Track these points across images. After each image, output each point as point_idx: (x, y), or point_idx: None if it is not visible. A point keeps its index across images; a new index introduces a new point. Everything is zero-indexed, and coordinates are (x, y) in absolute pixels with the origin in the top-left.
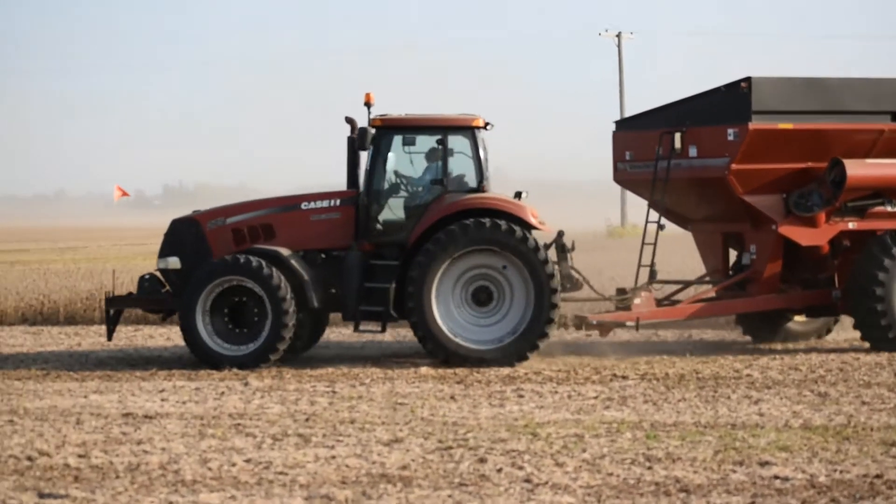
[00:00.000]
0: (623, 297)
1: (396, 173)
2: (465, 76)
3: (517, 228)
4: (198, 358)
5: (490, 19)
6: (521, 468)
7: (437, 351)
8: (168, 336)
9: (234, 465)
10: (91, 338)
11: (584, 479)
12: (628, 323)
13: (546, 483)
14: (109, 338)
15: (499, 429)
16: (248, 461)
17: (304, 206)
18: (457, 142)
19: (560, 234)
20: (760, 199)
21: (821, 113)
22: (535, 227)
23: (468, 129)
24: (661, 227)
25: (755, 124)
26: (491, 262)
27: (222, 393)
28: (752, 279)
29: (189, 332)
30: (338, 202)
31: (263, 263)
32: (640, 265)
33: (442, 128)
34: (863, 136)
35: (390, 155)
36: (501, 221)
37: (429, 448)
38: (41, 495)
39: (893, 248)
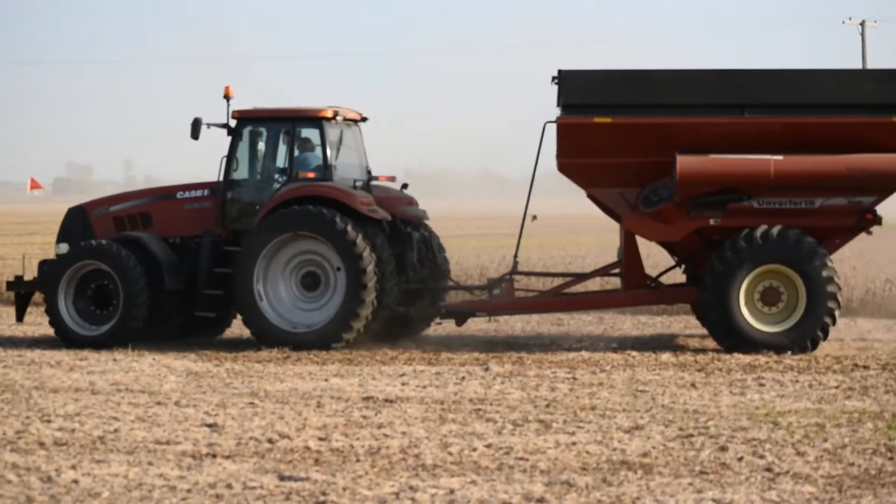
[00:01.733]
0: (483, 287)
1: (253, 163)
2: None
3: (335, 216)
4: (58, 337)
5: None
6: (761, 457)
7: (252, 330)
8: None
9: (474, 449)
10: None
11: (826, 468)
12: (479, 313)
13: (787, 472)
14: (19, 319)
15: (739, 417)
16: (488, 446)
17: (178, 195)
18: (312, 133)
19: (414, 223)
20: (605, 193)
21: (655, 107)
22: (365, 216)
23: (317, 120)
24: (533, 218)
25: (564, 118)
26: (317, 248)
27: (462, 378)
28: (621, 274)
29: (50, 313)
30: (207, 192)
31: (115, 247)
32: (516, 256)
33: (291, 119)
34: (705, 130)
35: (246, 145)
36: (323, 208)
37: (669, 436)
38: (282, 478)
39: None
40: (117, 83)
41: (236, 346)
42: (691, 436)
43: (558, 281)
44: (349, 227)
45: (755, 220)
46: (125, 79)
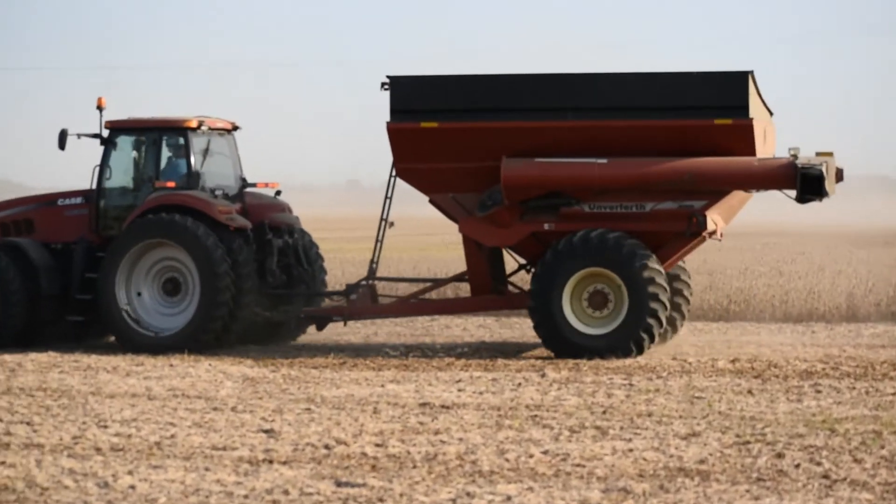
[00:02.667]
0: (341, 292)
1: (123, 171)
2: None
3: (188, 222)
4: None
5: None
6: (818, 464)
7: (114, 334)
8: (464, 327)
9: (531, 456)
10: (386, 327)
11: (883, 476)
12: (335, 317)
13: (844, 479)
14: None
15: (796, 424)
16: (545, 453)
17: (59, 202)
18: (178, 142)
19: (283, 229)
20: (443, 198)
21: (481, 111)
22: (223, 223)
23: (182, 130)
24: (390, 224)
25: (392, 124)
26: (177, 255)
27: (519, 384)
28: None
29: None
30: (83, 199)
31: None
32: (372, 261)
33: (158, 129)
34: (530, 134)
35: (117, 154)
36: (177, 216)
37: (726, 442)
38: (339, 483)
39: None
40: None
41: (292, 351)
42: (748, 443)
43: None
44: (201, 233)
45: (587, 225)
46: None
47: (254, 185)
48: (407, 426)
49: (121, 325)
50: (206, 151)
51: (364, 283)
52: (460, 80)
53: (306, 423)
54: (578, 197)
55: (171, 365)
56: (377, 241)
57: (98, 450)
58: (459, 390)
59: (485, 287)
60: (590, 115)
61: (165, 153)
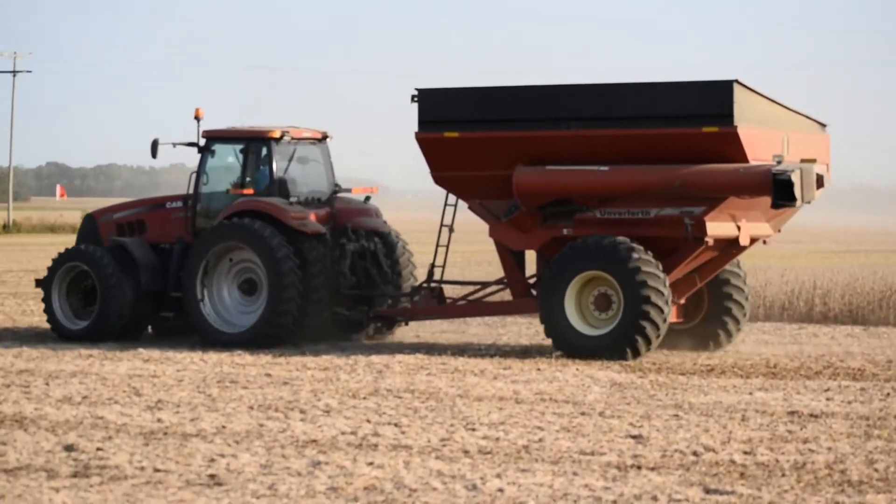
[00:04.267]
0: (405, 294)
1: (215, 177)
2: None
3: (256, 226)
4: (52, 329)
5: None
6: None
7: (197, 331)
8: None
9: None
10: (754, 335)
11: None
12: (399, 318)
13: None
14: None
15: None
16: None
17: (167, 205)
18: (263, 152)
19: (363, 233)
20: (474, 205)
21: (497, 122)
22: (296, 229)
23: (266, 140)
24: (451, 229)
25: (421, 133)
26: (252, 257)
27: (888, 394)
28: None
29: (46, 307)
30: (183, 202)
31: (96, 251)
32: (432, 265)
33: (245, 139)
34: (540, 142)
35: (213, 161)
36: (249, 220)
37: None
38: (707, 490)
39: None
40: None
41: (658, 357)
42: None
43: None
44: (267, 236)
45: (600, 230)
46: None
47: (348, 190)
48: (775, 434)
49: (200, 322)
50: (291, 159)
51: (425, 285)
52: (479, 92)
53: (674, 429)
54: (586, 203)
55: (539, 369)
56: (437, 245)
57: (466, 452)
58: (828, 399)
59: (523, 289)
60: (591, 124)
61: (252, 161)
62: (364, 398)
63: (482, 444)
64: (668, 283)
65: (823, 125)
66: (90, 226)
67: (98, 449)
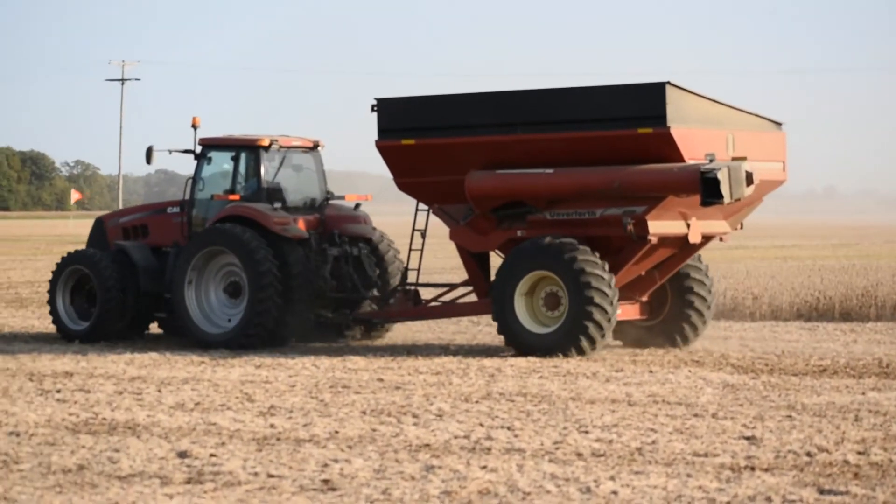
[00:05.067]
0: (381, 297)
1: (209, 183)
2: None
3: (238, 231)
4: (56, 331)
5: None
6: None
7: (183, 331)
8: None
9: None
10: (866, 335)
11: None
12: (374, 320)
13: None
14: None
15: None
16: None
17: (168, 210)
18: (252, 160)
19: (347, 238)
20: (439, 210)
21: (450, 128)
22: (277, 234)
23: (255, 148)
24: (423, 234)
25: (380, 141)
26: (234, 260)
27: None
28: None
29: (51, 309)
30: (181, 208)
31: (96, 254)
32: (406, 269)
33: (236, 147)
34: (491, 147)
35: (205, 168)
36: (230, 225)
37: None
38: (821, 491)
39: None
40: None
41: (770, 358)
42: None
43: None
44: (246, 239)
45: (551, 231)
46: None
47: (342, 197)
48: (889, 434)
49: (187, 322)
50: (281, 167)
51: (399, 288)
52: (433, 101)
53: (787, 430)
54: (535, 205)
55: (651, 371)
56: (410, 249)
57: (579, 455)
58: None
59: (486, 290)
60: (536, 128)
61: (242, 168)
62: (476, 402)
63: (595, 447)
64: (613, 283)
65: (779, 124)
66: (99, 230)
67: (211, 455)
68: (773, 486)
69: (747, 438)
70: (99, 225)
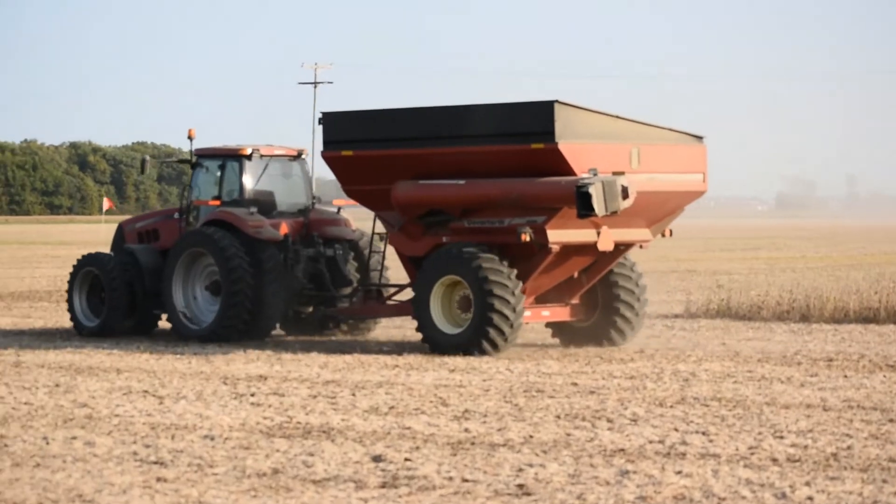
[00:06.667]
0: (344, 296)
1: (201, 191)
2: None
3: (213, 233)
4: (73, 327)
5: None
6: None
7: (174, 328)
8: None
9: None
10: None
11: None
12: (339, 316)
13: None
14: None
15: None
16: None
17: (175, 216)
18: (236, 168)
19: (322, 240)
20: (380, 216)
21: (385, 140)
22: (253, 237)
23: (237, 157)
24: (382, 237)
25: (324, 152)
26: (213, 261)
27: None
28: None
29: (69, 307)
30: (180, 213)
31: (104, 256)
32: (367, 269)
33: (223, 156)
34: (413, 159)
35: (199, 176)
36: (209, 228)
37: None
38: None
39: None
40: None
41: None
42: None
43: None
44: (217, 238)
45: (469, 238)
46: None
47: (329, 202)
48: None
49: (174, 319)
50: (264, 174)
51: (361, 288)
52: (368, 115)
53: None
54: (453, 214)
55: (846, 376)
56: (370, 251)
57: (774, 460)
58: None
59: None
60: (449, 142)
61: (227, 176)
62: (671, 406)
63: (790, 452)
64: (518, 290)
65: (700, 137)
66: (119, 234)
67: (406, 459)
68: None
69: None
70: (119, 230)
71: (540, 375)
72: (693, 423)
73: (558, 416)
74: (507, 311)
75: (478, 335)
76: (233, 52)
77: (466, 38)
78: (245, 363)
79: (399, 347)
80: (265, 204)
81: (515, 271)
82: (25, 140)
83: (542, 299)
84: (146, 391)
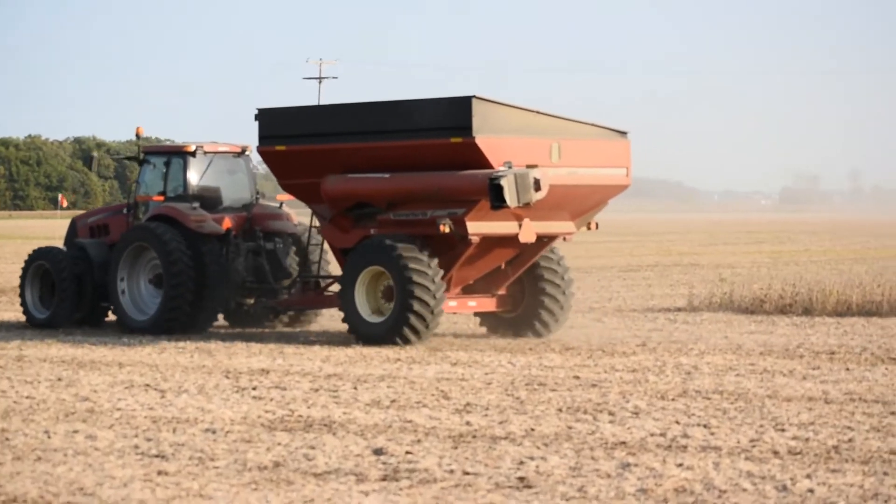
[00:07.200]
0: (284, 288)
1: (148, 186)
2: None
3: (155, 227)
4: (25, 318)
5: None
6: None
7: (119, 320)
8: None
9: None
10: None
11: None
12: (278, 308)
13: None
14: None
15: None
16: None
17: (123, 211)
18: (180, 164)
19: (251, 233)
20: (313, 209)
21: (315, 136)
22: (194, 230)
23: (181, 154)
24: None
25: (260, 147)
26: (155, 254)
27: None
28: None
29: (21, 300)
30: (128, 209)
31: (54, 250)
32: (305, 262)
33: (168, 153)
34: (341, 154)
35: (146, 173)
36: (157, 224)
37: None
38: None
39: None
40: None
41: None
42: None
43: None
44: (160, 233)
45: (394, 230)
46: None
47: (273, 197)
48: None
49: (119, 310)
50: (207, 171)
51: (298, 279)
52: (299, 111)
53: None
54: (379, 206)
55: (848, 369)
56: (308, 244)
57: (776, 453)
58: None
59: None
60: (373, 137)
61: (172, 172)
62: (673, 399)
63: (792, 445)
64: (439, 279)
65: (623, 133)
66: (72, 229)
67: (407, 452)
68: None
69: None
70: (72, 224)
71: (542, 369)
72: (695, 416)
73: (560, 410)
74: (427, 301)
75: (399, 324)
76: (238, 48)
77: (466, 35)
78: (247, 357)
79: (334, 338)
80: (209, 199)
81: (437, 262)
82: (30, 135)
83: (469, 290)
84: (148, 385)
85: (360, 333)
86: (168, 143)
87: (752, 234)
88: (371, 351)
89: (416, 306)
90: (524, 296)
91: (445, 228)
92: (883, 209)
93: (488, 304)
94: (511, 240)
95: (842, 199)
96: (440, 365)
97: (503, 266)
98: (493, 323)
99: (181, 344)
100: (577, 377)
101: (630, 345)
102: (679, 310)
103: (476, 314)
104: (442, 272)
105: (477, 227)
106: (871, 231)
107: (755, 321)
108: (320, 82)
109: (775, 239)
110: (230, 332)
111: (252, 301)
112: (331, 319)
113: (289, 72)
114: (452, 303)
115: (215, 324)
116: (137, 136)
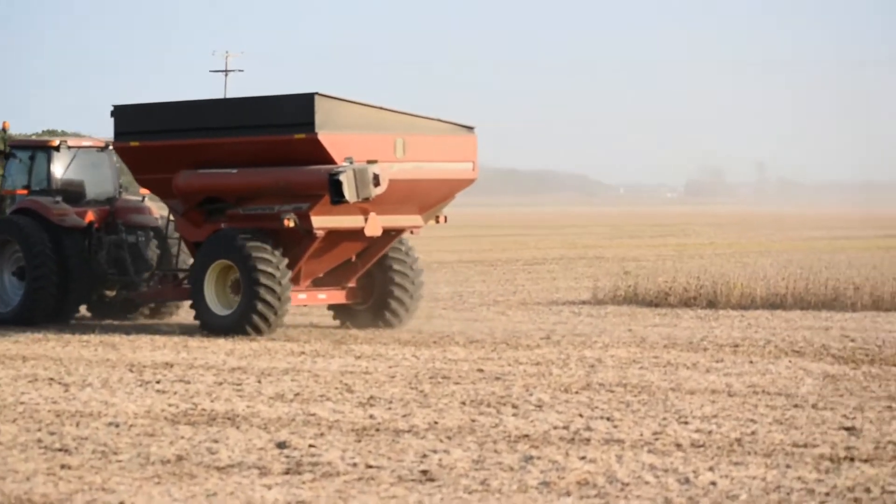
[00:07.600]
0: (144, 280)
1: (14, 180)
2: None
3: (17, 220)
4: None
5: None
6: None
7: None
8: None
9: None
10: None
11: None
12: (137, 300)
13: None
14: None
15: None
16: None
17: None
18: (45, 158)
19: (114, 226)
20: (167, 203)
21: (168, 132)
22: (57, 224)
23: (46, 149)
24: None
25: (115, 143)
26: (18, 247)
27: None
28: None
29: None
30: None
31: None
32: (164, 256)
33: (33, 147)
34: (191, 150)
35: (12, 166)
36: (20, 217)
37: None
38: None
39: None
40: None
41: (871, 348)
42: None
43: None
44: (23, 225)
45: (244, 224)
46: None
47: (136, 191)
48: None
49: None
50: (71, 165)
51: (158, 273)
52: (152, 107)
53: (888, 420)
54: (229, 201)
55: (751, 362)
56: (166, 237)
57: (678, 446)
58: None
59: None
60: (221, 133)
61: (37, 166)
62: (576, 392)
63: (695, 438)
64: (283, 268)
65: (470, 128)
66: None
67: (310, 446)
68: (873, 477)
69: (847, 429)
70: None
71: (446, 362)
72: (598, 409)
73: (463, 403)
74: (273, 293)
75: (246, 316)
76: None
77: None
78: (151, 350)
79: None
80: (73, 193)
81: (281, 253)
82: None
83: (319, 282)
84: (52, 379)
85: (210, 326)
86: (74, 136)
87: (657, 227)
88: (275, 344)
89: (263, 296)
90: (374, 287)
91: (290, 223)
92: (788, 201)
93: (338, 296)
94: (358, 233)
95: (747, 192)
96: (344, 358)
97: (353, 259)
98: (345, 315)
99: (85, 337)
100: (480, 370)
101: (534, 338)
102: (584, 303)
103: (329, 307)
104: (287, 262)
105: (322, 222)
106: (775, 223)
107: (659, 314)
108: (226, 75)
109: (680, 232)
110: (134, 326)
111: (114, 293)
112: (190, 311)
113: (197, 64)
114: (302, 295)
115: (77, 315)
116: (3, 129)
